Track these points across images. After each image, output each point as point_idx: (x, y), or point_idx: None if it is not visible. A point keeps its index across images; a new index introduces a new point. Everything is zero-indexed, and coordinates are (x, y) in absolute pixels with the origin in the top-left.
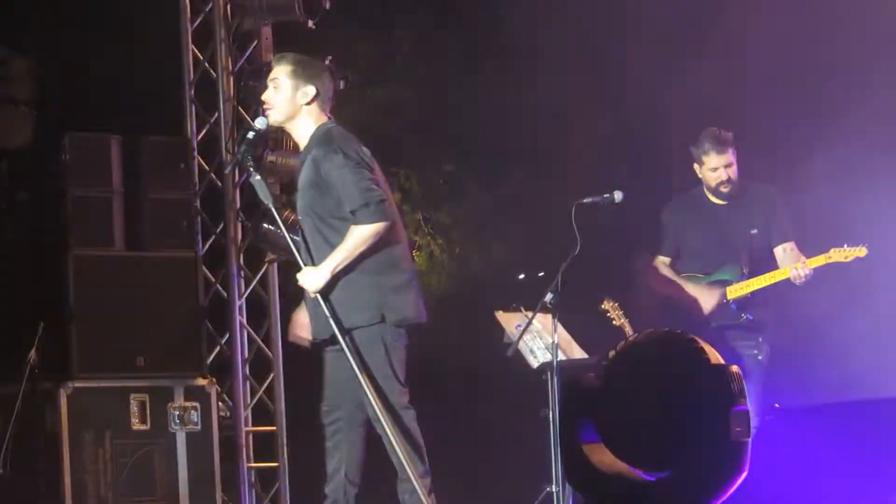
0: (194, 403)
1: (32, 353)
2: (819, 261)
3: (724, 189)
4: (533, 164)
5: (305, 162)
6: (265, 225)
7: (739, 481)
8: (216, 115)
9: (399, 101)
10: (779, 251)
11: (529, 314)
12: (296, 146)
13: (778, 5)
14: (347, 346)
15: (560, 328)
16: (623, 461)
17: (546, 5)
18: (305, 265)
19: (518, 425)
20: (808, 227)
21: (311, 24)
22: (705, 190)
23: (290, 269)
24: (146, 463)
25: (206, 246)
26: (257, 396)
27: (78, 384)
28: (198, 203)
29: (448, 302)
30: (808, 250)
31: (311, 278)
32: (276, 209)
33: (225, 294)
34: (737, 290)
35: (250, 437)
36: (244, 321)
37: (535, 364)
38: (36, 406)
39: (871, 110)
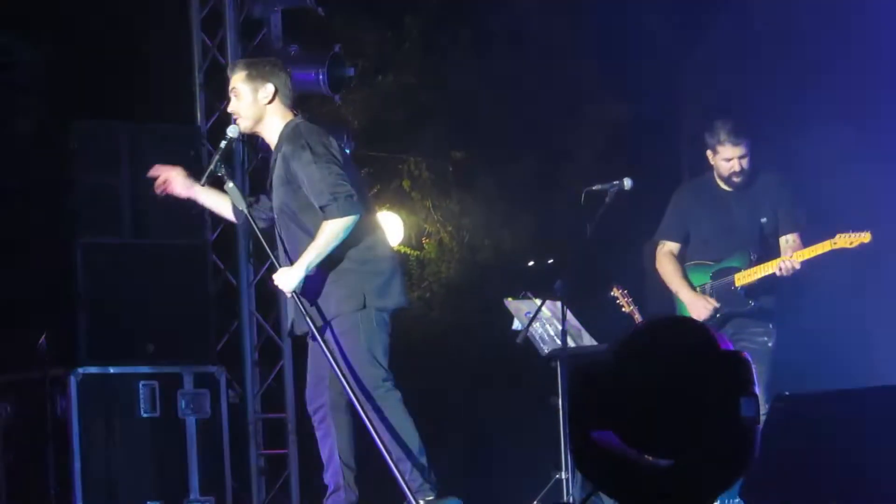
0: (204, 390)
1: (42, 340)
2: (825, 247)
3: (736, 179)
4: (543, 151)
5: (276, 160)
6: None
7: (748, 468)
8: (225, 102)
9: (408, 88)
10: (783, 241)
11: (539, 301)
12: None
13: None
14: (324, 344)
15: (570, 315)
16: (632, 448)
17: None
18: (282, 264)
19: (527, 412)
20: (816, 211)
21: (320, 11)
22: (716, 177)
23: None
24: (156, 450)
25: (216, 233)
26: (267, 383)
27: (87, 371)
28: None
29: (457, 289)
30: (814, 236)
31: (286, 278)
32: (251, 215)
33: (234, 281)
34: (744, 277)
35: (260, 423)
36: (253, 308)
37: (544, 351)
38: (45, 393)
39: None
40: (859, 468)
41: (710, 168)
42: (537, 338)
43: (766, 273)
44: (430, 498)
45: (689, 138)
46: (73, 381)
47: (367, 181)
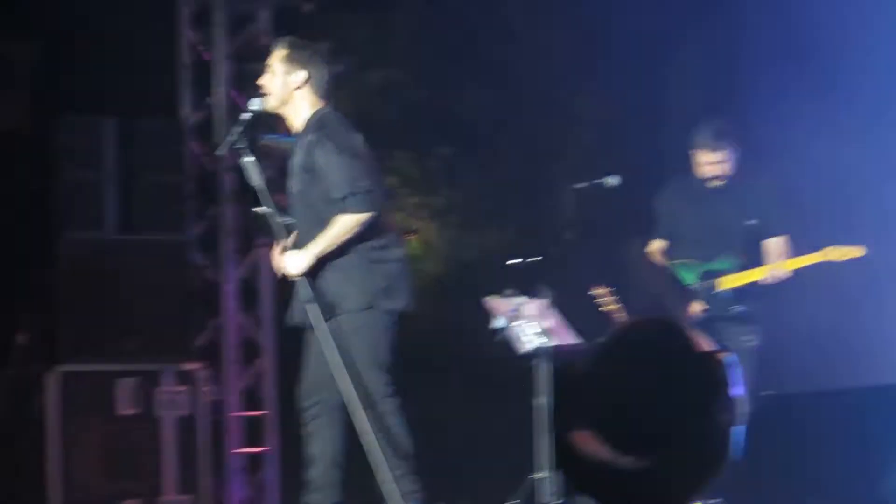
0: (183, 388)
1: (21, 336)
2: (814, 258)
3: (715, 182)
4: (528, 149)
5: (299, 146)
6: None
7: (723, 469)
8: (212, 98)
9: (396, 84)
10: (770, 244)
11: (521, 299)
12: (289, 130)
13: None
14: (324, 335)
15: (552, 313)
16: (611, 447)
17: None
18: (294, 247)
19: (508, 411)
20: (807, 222)
21: (308, 7)
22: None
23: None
24: (134, 447)
25: (199, 230)
26: (247, 381)
27: (66, 368)
28: (191, 186)
29: (443, 286)
30: (805, 246)
31: (294, 261)
32: (266, 191)
33: (216, 278)
34: (731, 281)
35: (240, 421)
36: (235, 305)
37: (525, 349)
38: (23, 390)
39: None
40: (839, 467)
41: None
42: (519, 336)
43: (754, 279)
44: None
45: (675, 137)
46: (51, 378)
47: None
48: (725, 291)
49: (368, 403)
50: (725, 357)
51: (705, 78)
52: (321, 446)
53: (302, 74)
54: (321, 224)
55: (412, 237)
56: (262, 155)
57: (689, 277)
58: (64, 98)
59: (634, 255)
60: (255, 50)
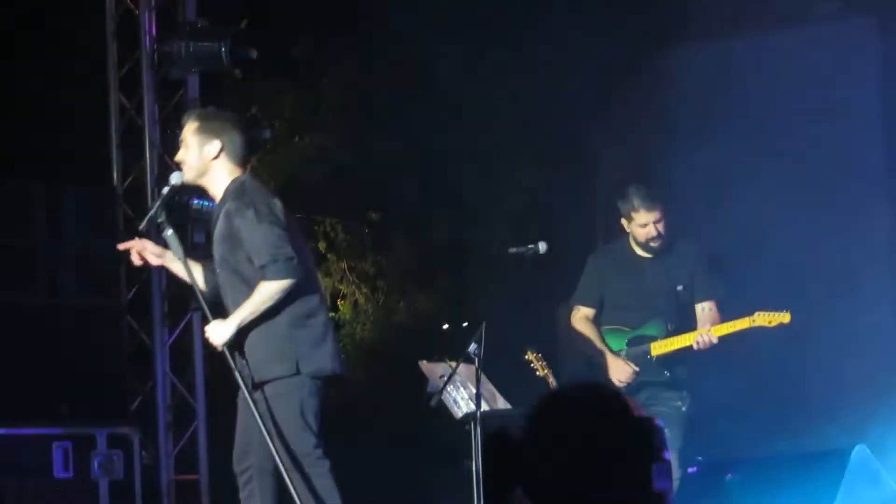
0: (118, 451)
1: None
2: (743, 323)
3: (653, 244)
4: (458, 214)
5: (220, 215)
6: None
7: None
8: (142, 163)
9: (324, 150)
10: (698, 309)
11: (453, 364)
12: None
13: (706, 58)
14: (254, 403)
15: (484, 378)
16: None
17: (472, 56)
18: (216, 317)
19: (441, 475)
20: (736, 282)
21: (237, 73)
22: (631, 242)
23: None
24: None
25: (131, 294)
26: (181, 444)
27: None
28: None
29: (372, 351)
30: (733, 312)
31: (217, 331)
32: (186, 264)
33: (149, 342)
34: (660, 347)
35: (173, 485)
36: (167, 369)
37: (458, 414)
38: None
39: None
40: None
41: (624, 235)
42: (451, 401)
43: (683, 345)
44: None
45: (604, 202)
46: None
47: None
48: (655, 357)
49: (298, 467)
50: (656, 422)
51: (633, 143)
52: None
53: (216, 144)
54: (247, 289)
55: (340, 302)
56: (193, 219)
57: (618, 343)
58: None
59: (564, 321)
60: (184, 115)
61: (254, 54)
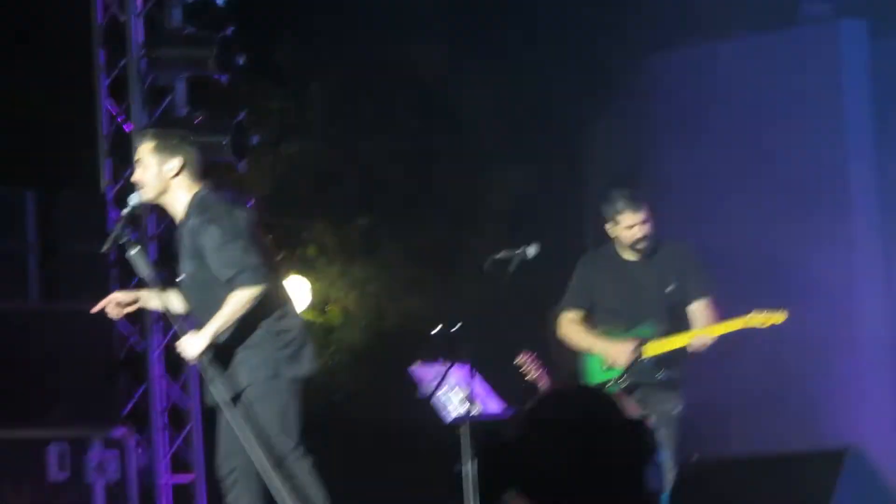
0: (112, 453)
1: None
2: (738, 324)
3: (640, 246)
4: (448, 217)
5: (185, 231)
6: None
7: None
8: (131, 169)
9: (312, 155)
10: (692, 309)
11: (447, 367)
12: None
13: (694, 62)
14: (232, 415)
15: (476, 381)
16: None
17: (458, 59)
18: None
19: (433, 479)
20: (728, 279)
21: (223, 79)
22: (617, 247)
23: None
24: None
25: None
26: (175, 446)
27: None
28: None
29: (363, 356)
30: (731, 305)
31: (190, 345)
32: (153, 282)
33: (143, 344)
34: (654, 349)
35: (169, 487)
36: (161, 372)
37: (450, 417)
38: None
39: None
40: None
41: (611, 240)
42: (443, 404)
43: (676, 346)
44: None
45: (594, 205)
46: None
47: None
48: (649, 358)
49: (280, 468)
50: (650, 423)
51: (624, 146)
52: None
53: (175, 161)
54: (216, 304)
55: (330, 306)
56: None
57: None
58: None
59: (554, 325)
60: (172, 121)
61: (241, 60)
